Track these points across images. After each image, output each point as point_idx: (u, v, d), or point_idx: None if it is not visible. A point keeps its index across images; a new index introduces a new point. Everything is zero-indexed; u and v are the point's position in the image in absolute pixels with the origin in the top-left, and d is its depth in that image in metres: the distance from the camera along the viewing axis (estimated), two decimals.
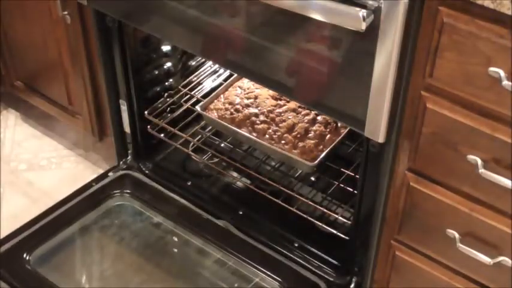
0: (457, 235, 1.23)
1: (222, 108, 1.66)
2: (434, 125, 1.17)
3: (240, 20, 1.33)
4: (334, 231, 1.61)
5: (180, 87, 1.96)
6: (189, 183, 1.76)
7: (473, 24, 1.03)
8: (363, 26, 1.09)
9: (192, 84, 2.00)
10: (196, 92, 2.00)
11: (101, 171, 1.93)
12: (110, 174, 1.82)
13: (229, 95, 1.70)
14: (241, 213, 1.72)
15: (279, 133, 1.59)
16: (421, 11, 1.08)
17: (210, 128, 1.90)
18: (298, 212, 1.65)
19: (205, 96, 2.00)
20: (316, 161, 1.58)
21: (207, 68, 2.04)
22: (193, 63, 2.03)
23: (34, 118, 2.33)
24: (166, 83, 1.94)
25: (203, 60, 2.02)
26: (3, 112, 2.37)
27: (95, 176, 1.87)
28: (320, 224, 1.64)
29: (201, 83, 2.02)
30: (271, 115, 1.62)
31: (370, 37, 1.11)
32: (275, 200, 1.72)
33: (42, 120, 2.31)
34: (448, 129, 1.15)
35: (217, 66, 2.03)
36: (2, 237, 1.65)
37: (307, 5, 1.14)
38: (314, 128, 1.61)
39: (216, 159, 1.81)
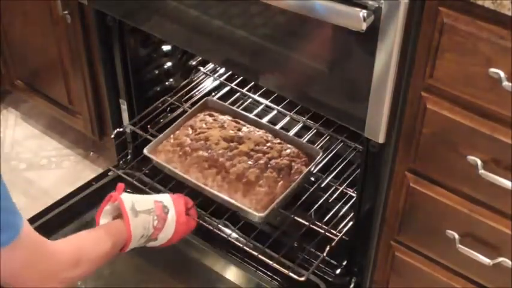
0: (456, 236, 1.23)
1: (170, 150, 1.55)
2: (434, 126, 1.17)
3: (240, 19, 1.33)
4: (334, 231, 1.61)
5: (180, 87, 1.96)
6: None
7: (473, 24, 1.03)
8: (363, 26, 1.09)
9: (192, 84, 2.00)
10: (196, 92, 2.00)
11: (101, 170, 1.93)
12: (110, 173, 1.82)
13: (180, 135, 1.58)
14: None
15: (228, 179, 1.48)
16: (422, 12, 1.08)
17: None
18: (297, 219, 1.65)
19: (205, 96, 2.00)
20: (265, 212, 1.50)
21: (207, 67, 2.05)
22: (194, 63, 2.03)
23: (34, 117, 2.33)
24: (167, 83, 1.94)
25: (203, 60, 2.02)
26: (3, 111, 2.37)
27: (94, 175, 1.87)
28: (320, 224, 1.64)
29: (201, 83, 2.03)
30: (221, 159, 1.51)
31: (370, 37, 1.11)
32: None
33: (42, 120, 2.31)
34: (448, 129, 1.15)
35: (217, 66, 2.04)
36: None
37: (307, 5, 1.14)
38: (266, 174, 1.49)
39: None
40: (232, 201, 1.44)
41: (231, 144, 1.54)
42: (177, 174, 1.53)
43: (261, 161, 1.51)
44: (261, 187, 1.46)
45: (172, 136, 1.59)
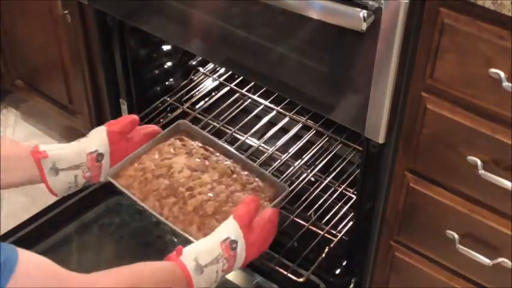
0: (456, 236, 1.23)
1: (132, 175, 1.44)
2: (434, 126, 1.17)
3: (240, 19, 1.34)
4: (334, 232, 1.61)
5: (179, 87, 1.96)
6: None
7: (473, 25, 1.03)
8: (364, 27, 1.09)
9: (192, 84, 2.00)
10: (196, 92, 2.00)
11: None
12: None
13: (145, 159, 1.46)
14: None
15: (184, 211, 1.37)
16: (422, 12, 1.08)
17: (210, 127, 1.90)
18: (297, 220, 1.65)
19: (205, 96, 2.01)
20: None
21: (207, 68, 2.05)
22: (194, 63, 2.03)
23: (34, 117, 2.33)
24: (167, 83, 1.95)
25: (203, 60, 2.02)
26: (4, 111, 2.37)
27: None
28: (319, 224, 1.64)
29: (201, 83, 2.03)
30: (181, 189, 1.39)
31: (370, 37, 1.11)
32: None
33: (42, 119, 2.31)
34: (448, 130, 1.15)
35: (217, 66, 2.04)
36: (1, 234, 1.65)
37: (307, 5, 1.14)
38: (225, 208, 1.38)
39: None
40: (186, 234, 1.33)
41: (194, 173, 1.43)
42: (133, 200, 1.43)
43: (223, 194, 1.39)
44: (218, 222, 1.34)
45: (137, 160, 1.46)
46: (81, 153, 1.33)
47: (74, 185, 1.34)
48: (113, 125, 1.38)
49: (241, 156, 1.47)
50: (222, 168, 1.45)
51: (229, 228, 1.24)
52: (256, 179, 1.44)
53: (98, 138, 1.36)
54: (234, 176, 1.44)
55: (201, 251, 1.20)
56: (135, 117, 1.42)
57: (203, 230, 1.34)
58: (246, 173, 1.46)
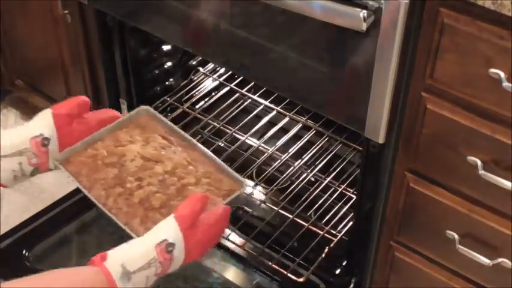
0: (456, 236, 1.23)
1: (82, 162, 1.34)
2: (434, 126, 1.17)
3: (240, 19, 1.34)
4: (334, 232, 1.61)
5: (179, 87, 1.96)
6: None
7: (473, 25, 1.03)
8: (364, 27, 1.09)
9: (192, 84, 2.00)
10: (196, 92, 2.00)
11: None
12: None
13: (99, 146, 1.36)
14: (240, 213, 1.72)
15: (129, 202, 1.27)
16: (422, 12, 1.08)
17: (210, 127, 1.90)
18: (297, 220, 1.65)
19: (205, 96, 2.00)
20: None
21: (207, 68, 2.05)
22: (194, 63, 2.03)
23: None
24: (167, 83, 1.95)
25: (203, 60, 2.02)
26: (3, 111, 2.37)
27: None
28: (319, 224, 1.64)
29: (201, 83, 2.03)
30: (129, 178, 1.29)
31: (370, 38, 1.11)
32: (276, 200, 1.73)
33: None
34: (448, 130, 1.15)
35: (217, 66, 2.04)
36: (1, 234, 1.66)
37: (307, 5, 1.14)
38: (173, 202, 1.27)
39: None
40: (126, 228, 1.23)
41: (147, 163, 1.32)
42: (79, 188, 1.32)
43: (173, 187, 1.29)
44: (163, 216, 1.23)
45: (91, 146, 1.36)
46: (24, 138, 1.19)
47: (20, 173, 1.20)
48: (60, 107, 1.25)
49: (203, 147, 1.35)
50: (179, 159, 1.33)
51: (167, 229, 1.11)
52: (214, 172, 1.31)
53: (42, 121, 1.22)
54: (190, 168, 1.32)
55: (130, 256, 1.08)
56: (84, 98, 1.29)
57: (146, 223, 1.23)
58: (203, 166, 1.33)
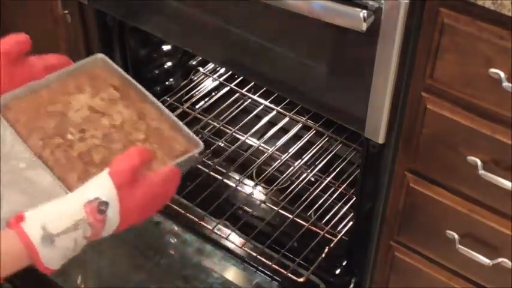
0: (456, 236, 1.23)
1: (22, 108, 1.22)
2: (434, 126, 1.17)
3: (240, 19, 1.34)
4: (334, 232, 1.61)
5: (179, 87, 1.96)
6: (188, 183, 1.76)
7: (473, 25, 1.03)
8: (364, 27, 1.09)
9: (192, 84, 2.00)
10: (196, 92, 2.00)
11: None
12: None
13: (44, 93, 1.22)
14: (240, 213, 1.72)
15: (68, 155, 1.15)
16: (422, 12, 1.08)
17: (210, 127, 1.90)
18: (297, 220, 1.65)
19: (205, 96, 2.01)
20: None
21: (207, 68, 2.05)
22: (194, 63, 2.03)
23: None
24: (167, 83, 1.95)
25: (203, 60, 2.02)
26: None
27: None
28: (319, 224, 1.64)
29: (201, 83, 2.03)
30: (71, 129, 1.17)
31: (370, 38, 1.11)
32: (276, 200, 1.73)
33: None
34: (448, 130, 1.15)
35: (217, 66, 2.04)
36: None
37: (307, 5, 1.14)
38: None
39: (216, 159, 1.81)
40: (60, 183, 1.11)
41: (94, 114, 1.19)
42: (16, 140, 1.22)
43: (119, 142, 1.15)
44: (100, 170, 1.08)
45: (35, 93, 1.22)
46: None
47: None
48: None
49: (159, 103, 1.20)
50: (129, 113, 1.20)
51: (100, 186, 0.95)
52: (168, 130, 1.17)
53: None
54: (141, 123, 1.19)
55: (53, 216, 0.94)
56: (22, 36, 1.14)
57: (84, 179, 1.07)
58: (157, 122, 1.19)
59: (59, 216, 0.94)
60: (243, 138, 1.86)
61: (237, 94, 1.99)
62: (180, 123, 1.17)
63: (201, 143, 1.14)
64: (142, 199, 0.97)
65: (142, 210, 0.99)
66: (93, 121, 1.18)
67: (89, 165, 1.12)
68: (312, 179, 1.77)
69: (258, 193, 1.76)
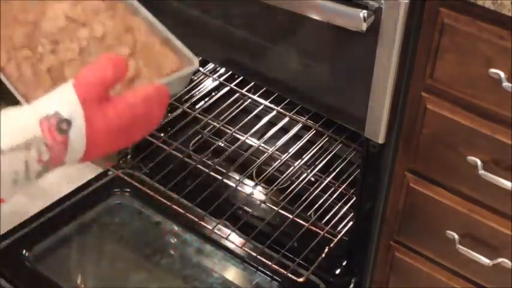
0: (456, 236, 1.23)
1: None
2: (434, 126, 1.17)
3: (240, 19, 1.34)
4: (334, 232, 1.61)
5: None
6: (188, 183, 1.76)
7: (473, 25, 1.03)
8: (364, 27, 1.09)
9: (192, 84, 2.00)
10: (196, 92, 2.00)
11: (101, 170, 1.93)
12: (110, 173, 1.82)
13: (19, 1, 1.04)
14: (240, 213, 1.72)
15: (36, 69, 0.97)
16: (422, 12, 1.08)
17: (210, 127, 1.90)
18: (297, 220, 1.65)
19: (205, 96, 2.00)
20: None
21: (207, 68, 2.05)
22: None
23: None
24: None
25: (203, 60, 2.02)
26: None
27: (94, 175, 1.87)
28: (319, 224, 1.64)
29: (201, 83, 2.03)
30: (43, 41, 0.99)
31: (370, 38, 1.11)
32: (276, 200, 1.72)
33: None
34: (448, 130, 1.15)
35: (217, 66, 2.04)
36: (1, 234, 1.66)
37: (307, 5, 1.14)
38: None
39: (216, 159, 1.81)
40: (20, 98, 0.94)
41: (71, 24, 1.01)
42: None
43: (70, 54, 0.98)
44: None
45: (7, 1, 1.04)
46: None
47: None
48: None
49: (151, 16, 1.06)
50: (114, 25, 1.02)
51: (61, 100, 0.77)
52: (158, 45, 1.02)
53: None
54: (127, 36, 1.01)
55: (2, 128, 0.77)
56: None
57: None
58: (146, 36, 1.03)
59: (7, 132, 0.76)
60: (243, 138, 1.86)
61: (237, 94, 1.99)
62: (175, 38, 1.00)
63: (197, 60, 0.98)
64: (115, 121, 0.78)
65: (116, 136, 0.80)
66: (69, 32, 1.00)
67: (58, 82, 0.91)
68: (312, 179, 1.77)
69: (258, 193, 1.76)
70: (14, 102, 0.86)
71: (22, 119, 0.78)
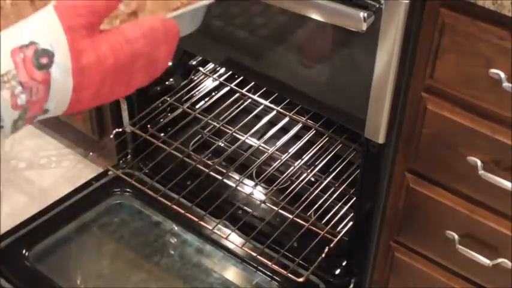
0: (456, 236, 1.23)
1: None
2: (434, 126, 1.17)
3: (240, 19, 1.34)
4: (334, 232, 1.61)
5: (179, 87, 1.96)
6: (188, 182, 1.76)
7: (473, 25, 1.03)
8: (364, 27, 1.09)
9: (192, 84, 2.00)
10: (196, 92, 2.00)
11: (101, 170, 1.93)
12: (110, 173, 1.82)
13: None
14: (240, 213, 1.72)
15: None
16: (422, 12, 1.08)
17: (210, 127, 1.90)
18: (297, 220, 1.65)
19: (205, 96, 2.00)
20: None
21: (207, 68, 2.05)
22: (194, 63, 2.03)
23: None
24: (167, 83, 1.94)
25: (203, 60, 2.02)
26: None
27: (94, 175, 1.87)
28: (319, 224, 1.64)
29: (201, 83, 2.03)
30: None
31: (370, 38, 1.11)
32: (276, 200, 1.72)
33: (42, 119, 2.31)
34: (448, 130, 1.15)
35: (217, 66, 2.04)
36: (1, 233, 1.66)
37: (307, 5, 1.14)
38: None
39: (216, 159, 1.81)
40: None
41: None
42: None
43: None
44: None
45: None
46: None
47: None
48: None
49: None
50: None
51: (39, 26, 0.58)
52: None
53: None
54: None
55: None
56: None
57: None
58: None
59: None
60: (243, 138, 1.86)
61: (237, 94, 1.99)
62: None
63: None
64: (110, 57, 0.60)
65: (112, 77, 0.61)
66: None
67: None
68: (312, 179, 1.77)
69: (258, 193, 1.76)
70: None
71: None
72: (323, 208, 1.68)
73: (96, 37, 0.60)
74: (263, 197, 1.74)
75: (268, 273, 1.60)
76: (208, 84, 2.03)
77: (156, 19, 0.66)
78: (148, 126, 1.85)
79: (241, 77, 1.96)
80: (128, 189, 1.78)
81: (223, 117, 1.93)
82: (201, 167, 1.79)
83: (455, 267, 1.29)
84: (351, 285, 1.56)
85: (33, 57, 0.57)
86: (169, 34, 0.69)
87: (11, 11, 0.73)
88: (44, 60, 0.57)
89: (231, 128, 1.89)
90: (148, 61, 0.65)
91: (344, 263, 1.59)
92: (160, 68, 0.68)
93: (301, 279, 1.52)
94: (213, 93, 2.01)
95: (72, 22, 0.58)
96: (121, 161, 1.87)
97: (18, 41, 0.57)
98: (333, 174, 1.76)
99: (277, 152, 1.83)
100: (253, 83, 1.94)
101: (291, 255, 1.59)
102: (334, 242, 1.58)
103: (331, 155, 1.80)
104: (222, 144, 1.86)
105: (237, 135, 1.87)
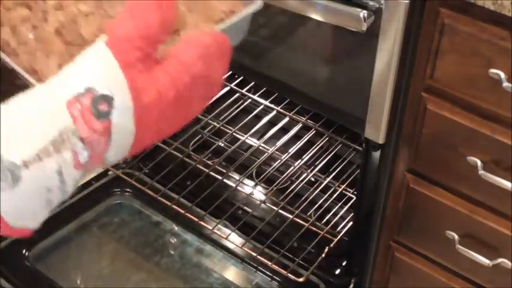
0: (456, 236, 1.23)
1: None
2: (434, 127, 1.17)
3: None
4: (334, 232, 1.61)
5: None
6: (188, 182, 1.76)
7: (473, 25, 1.03)
8: (364, 27, 1.09)
9: None
10: None
11: (101, 169, 1.93)
12: (110, 173, 1.82)
13: None
14: (240, 213, 1.72)
15: (41, 32, 0.66)
16: (422, 12, 1.08)
17: (210, 127, 1.90)
18: (297, 220, 1.65)
19: None
20: None
21: None
22: None
23: None
24: None
25: None
26: None
27: (94, 174, 1.87)
28: (319, 224, 1.64)
29: None
30: None
31: (370, 38, 1.11)
32: (276, 200, 1.73)
33: None
34: (448, 130, 1.15)
35: None
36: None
37: (307, 5, 1.14)
38: None
39: (216, 159, 1.81)
40: (25, 74, 0.68)
41: None
42: None
43: (119, 4, 0.64)
44: None
45: None
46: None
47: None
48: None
49: None
50: None
51: (92, 68, 0.51)
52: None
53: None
54: None
55: (10, 131, 0.49)
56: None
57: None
58: None
59: (23, 134, 0.49)
60: (243, 138, 1.86)
61: (237, 94, 1.99)
62: None
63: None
64: (170, 89, 0.53)
65: (173, 110, 0.54)
66: None
67: (72, 46, 0.65)
68: (312, 179, 1.77)
69: (258, 193, 1.76)
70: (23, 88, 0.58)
71: (40, 109, 0.50)
72: (323, 208, 1.68)
73: (153, 69, 0.53)
74: (263, 197, 1.74)
75: (268, 273, 1.60)
76: None
77: (206, 36, 0.59)
78: None
79: (241, 77, 1.96)
80: (128, 189, 1.78)
81: (223, 117, 1.93)
82: (201, 167, 1.79)
83: (455, 267, 1.29)
84: (351, 285, 1.56)
85: (91, 106, 0.49)
86: (223, 50, 0.62)
87: (36, 47, 0.67)
88: (104, 107, 0.50)
89: (231, 128, 1.89)
90: (205, 83, 0.58)
91: (344, 263, 1.59)
92: (217, 89, 0.62)
93: (301, 279, 1.52)
94: None
95: (129, 58, 0.51)
96: (121, 161, 1.88)
97: (72, 90, 0.49)
98: (333, 174, 1.76)
99: (277, 152, 1.83)
100: (253, 83, 1.94)
101: (291, 255, 1.59)
102: (334, 242, 1.59)
103: (331, 155, 1.80)
104: (222, 144, 1.86)
105: (237, 135, 1.87)
